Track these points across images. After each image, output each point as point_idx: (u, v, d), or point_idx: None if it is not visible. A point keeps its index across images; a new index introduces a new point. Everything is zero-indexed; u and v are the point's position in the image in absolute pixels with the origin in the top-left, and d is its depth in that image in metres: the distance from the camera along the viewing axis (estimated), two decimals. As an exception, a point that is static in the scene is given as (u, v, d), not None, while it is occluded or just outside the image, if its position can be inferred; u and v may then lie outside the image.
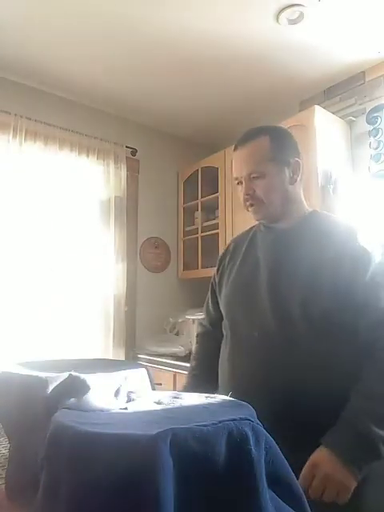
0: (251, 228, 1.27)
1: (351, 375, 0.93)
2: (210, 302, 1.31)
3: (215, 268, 1.29)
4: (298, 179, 1.10)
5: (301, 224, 1.10)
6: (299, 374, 0.95)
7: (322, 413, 0.90)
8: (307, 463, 0.87)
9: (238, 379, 1.06)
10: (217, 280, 1.25)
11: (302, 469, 0.87)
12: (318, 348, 0.95)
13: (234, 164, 1.12)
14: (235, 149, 1.12)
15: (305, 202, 1.14)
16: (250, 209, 1.12)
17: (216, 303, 1.25)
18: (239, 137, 1.13)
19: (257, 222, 1.24)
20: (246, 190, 1.09)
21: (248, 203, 1.10)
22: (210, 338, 1.29)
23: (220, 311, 1.22)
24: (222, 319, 1.21)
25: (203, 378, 1.21)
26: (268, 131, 1.10)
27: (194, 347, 1.40)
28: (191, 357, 1.37)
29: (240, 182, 1.11)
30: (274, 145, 1.08)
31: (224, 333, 1.19)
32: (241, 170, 1.09)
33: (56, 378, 0.66)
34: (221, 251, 1.32)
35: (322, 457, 0.86)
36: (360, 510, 0.90)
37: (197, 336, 1.38)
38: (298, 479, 0.59)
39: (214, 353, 1.23)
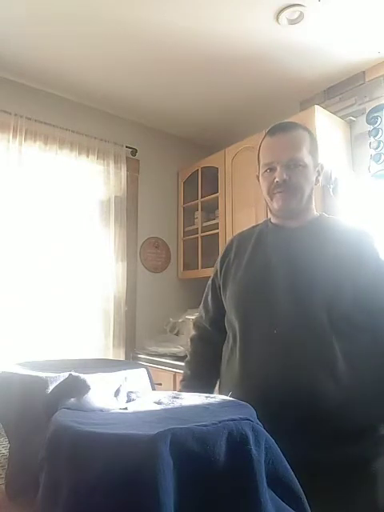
0: (255, 226, 1.25)
1: (363, 375, 0.94)
2: (209, 300, 1.26)
3: (217, 265, 1.25)
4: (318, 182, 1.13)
5: (312, 224, 1.11)
6: (317, 373, 0.94)
7: (335, 412, 0.91)
8: None
9: (249, 377, 1.02)
10: (220, 277, 1.20)
11: (312, 467, 0.85)
12: (337, 347, 0.95)
13: (272, 148, 1.09)
14: (273, 134, 1.09)
15: None
16: (277, 196, 1.07)
17: (217, 301, 1.22)
18: (276, 125, 1.12)
19: (259, 221, 1.24)
20: (281, 175, 1.04)
21: (279, 189, 1.06)
22: (206, 341, 1.26)
23: (221, 310, 1.19)
24: (222, 318, 1.18)
25: (195, 387, 1.15)
26: (307, 129, 1.12)
27: (188, 352, 1.35)
28: (184, 364, 1.32)
29: (272, 169, 1.07)
30: (313, 143, 1.10)
31: (229, 332, 1.15)
32: (280, 154, 1.06)
33: (56, 378, 0.66)
34: (221, 250, 1.29)
35: None
36: (366, 508, 0.90)
37: (191, 340, 1.32)
38: (298, 478, 0.59)
39: (209, 358, 1.21)
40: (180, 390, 1.20)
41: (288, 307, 1.00)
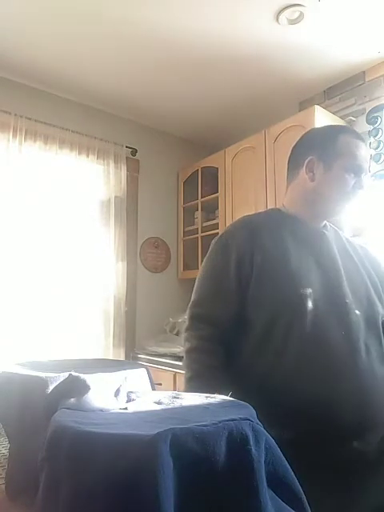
0: (263, 213, 1.20)
1: None
2: (233, 291, 1.04)
3: (240, 246, 1.05)
4: None
5: (330, 228, 1.17)
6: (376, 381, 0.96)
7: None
8: None
9: (304, 378, 0.93)
10: (255, 262, 1.02)
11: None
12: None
13: (364, 155, 1.08)
14: (363, 141, 1.10)
15: None
16: (353, 201, 1.08)
17: (242, 292, 1.03)
18: (353, 131, 1.16)
19: (263, 209, 1.29)
20: (365, 187, 1.08)
21: (358, 195, 1.07)
22: (222, 340, 1.04)
23: (243, 303, 1.02)
24: (242, 312, 1.02)
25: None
26: None
27: (197, 357, 1.03)
28: (203, 372, 1.00)
29: (358, 173, 1.06)
30: None
31: (267, 329, 0.98)
32: (367, 166, 1.10)
33: (56, 378, 0.66)
34: (236, 236, 1.09)
35: None
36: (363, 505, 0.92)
37: (202, 339, 1.04)
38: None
39: (225, 361, 1.02)
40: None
41: (353, 307, 1.01)
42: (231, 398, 0.68)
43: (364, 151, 1.09)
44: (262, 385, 0.95)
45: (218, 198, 2.73)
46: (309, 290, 0.98)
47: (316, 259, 1.04)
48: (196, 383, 0.98)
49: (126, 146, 2.79)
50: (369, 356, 0.97)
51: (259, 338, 1.00)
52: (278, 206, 1.20)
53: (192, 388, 0.98)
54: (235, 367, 1.02)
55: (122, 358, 2.55)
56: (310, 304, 0.97)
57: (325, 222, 1.15)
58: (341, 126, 1.18)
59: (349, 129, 1.17)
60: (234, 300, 1.04)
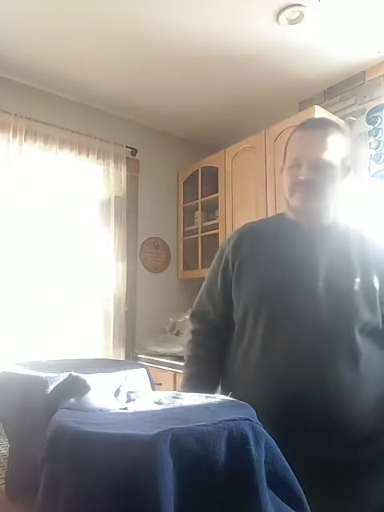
0: (265, 219, 1.24)
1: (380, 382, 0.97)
2: (218, 293, 1.14)
3: (228, 256, 1.13)
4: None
5: (336, 226, 1.09)
6: (349, 379, 0.94)
7: (361, 412, 0.93)
8: None
9: (272, 374, 0.97)
10: (234, 269, 1.10)
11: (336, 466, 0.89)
12: (363, 352, 0.97)
13: (301, 144, 1.04)
14: (305, 129, 1.05)
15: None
16: (298, 194, 1.04)
17: (228, 294, 1.11)
18: (310, 120, 1.12)
19: (268, 215, 1.25)
20: (307, 175, 1.01)
21: (302, 188, 1.03)
22: (215, 336, 1.15)
23: (230, 304, 1.11)
24: (229, 313, 1.11)
25: (206, 386, 1.06)
26: (339, 127, 1.09)
27: (189, 347, 1.19)
28: (188, 360, 1.17)
29: (297, 165, 1.03)
30: (343, 142, 1.08)
31: (245, 326, 1.05)
32: (309, 152, 1.01)
33: (56, 378, 0.66)
34: (229, 241, 1.17)
35: None
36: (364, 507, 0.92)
37: (196, 333, 1.18)
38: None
39: (218, 354, 1.13)
40: (188, 390, 1.09)
41: (325, 311, 0.97)
42: (231, 398, 0.68)
43: (305, 138, 1.04)
44: (236, 383, 1.03)
45: (217, 198, 2.73)
46: (278, 289, 1.01)
47: (297, 262, 1.03)
48: (184, 370, 1.17)
49: (126, 146, 2.79)
50: (337, 359, 0.94)
51: (236, 337, 1.09)
52: (282, 211, 1.20)
53: (183, 374, 1.17)
54: (223, 367, 1.12)
55: (122, 358, 2.55)
56: (277, 305, 1.00)
57: (329, 221, 1.10)
58: (301, 123, 1.10)
59: (304, 123, 1.09)
60: (220, 302, 1.15)
